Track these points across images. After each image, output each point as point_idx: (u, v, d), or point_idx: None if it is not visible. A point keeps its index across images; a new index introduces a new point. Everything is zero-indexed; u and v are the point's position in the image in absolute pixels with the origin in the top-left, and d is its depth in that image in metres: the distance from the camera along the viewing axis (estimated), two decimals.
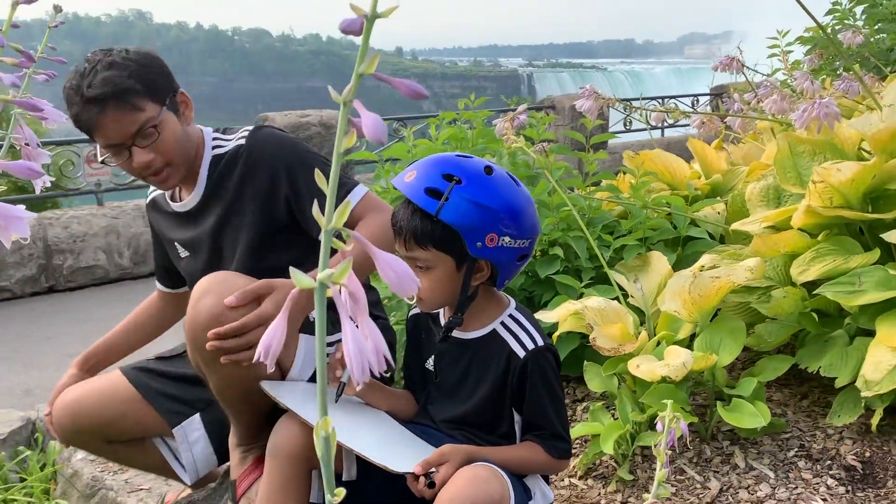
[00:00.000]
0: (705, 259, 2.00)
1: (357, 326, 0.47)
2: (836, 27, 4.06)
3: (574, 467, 1.83)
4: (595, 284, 2.20)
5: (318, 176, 0.46)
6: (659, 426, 0.99)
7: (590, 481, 1.79)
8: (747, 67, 3.32)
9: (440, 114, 2.56)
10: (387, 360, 0.47)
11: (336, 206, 0.46)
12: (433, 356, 1.35)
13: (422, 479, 1.16)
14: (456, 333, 1.32)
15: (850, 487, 1.62)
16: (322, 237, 0.46)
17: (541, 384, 1.27)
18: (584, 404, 2.07)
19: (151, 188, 1.68)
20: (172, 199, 1.63)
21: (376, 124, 0.44)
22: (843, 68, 3.82)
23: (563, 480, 1.82)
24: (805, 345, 1.87)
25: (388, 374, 1.47)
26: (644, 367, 1.71)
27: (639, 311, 2.10)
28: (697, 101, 8.86)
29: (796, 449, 1.77)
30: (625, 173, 2.68)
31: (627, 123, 7.89)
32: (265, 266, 1.46)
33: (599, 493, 1.74)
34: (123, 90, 1.39)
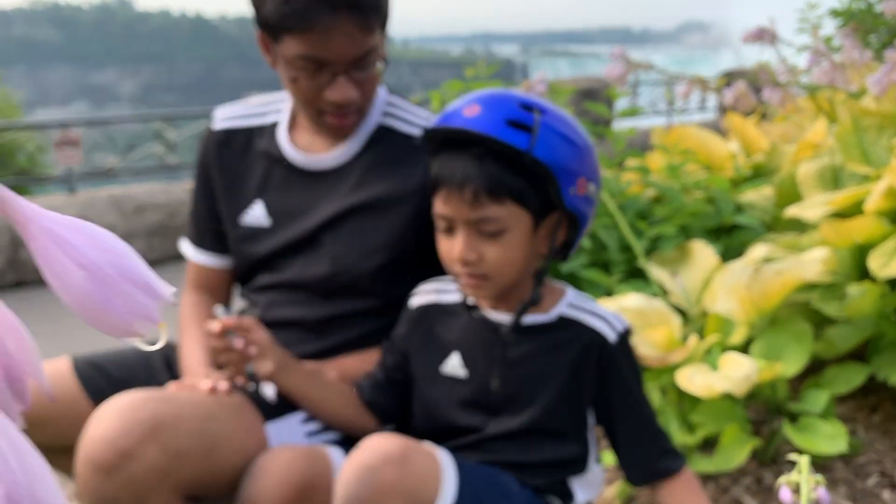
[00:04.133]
0: (759, 250, 1.72)
1: None
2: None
3: (610, 499, 1.55)
4: (627, 280, 1.91)
5: None
6: (785, 496, 0.69)
7: None
8: (780, 41, 3.05)
9: (444, 84, 2.25)
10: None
11: None
12: (458, 353, 1.05)
13: None
14: (495, 316, 1.03)
15: None
16: None
17: (635, 375, 1.03)
18: None
19: (222, 115, 1.28)
20: (289, 145, 1.23)
21: None
22: (890, 38, 3.55)
23: None
24: (880, 351, 1.59)
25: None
26: (699, 381, 1.43)
27: (679, 312, 1.82)
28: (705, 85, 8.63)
29: (877, 476, 1.49)
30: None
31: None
32: (356, 288, 1.17)
33: None
34: (367, 4, 1.07)
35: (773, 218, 2.06)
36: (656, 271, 1.84)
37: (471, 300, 1.05)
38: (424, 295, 1.12)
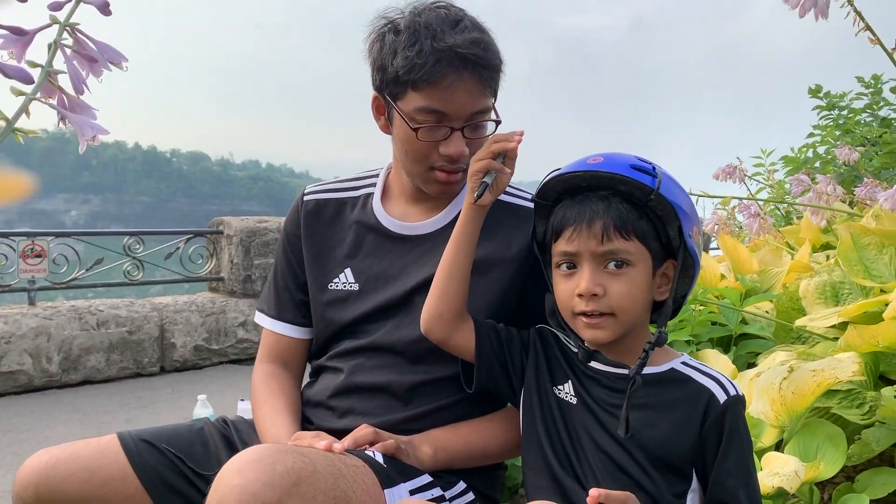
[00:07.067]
0: (781, 357, 1.76)
1: None
2: (818, 147, 4.12)
3: None
4: None
5: None
6: None
7: None
8: (748, 177, 3.27)
9: None
10: None
11: None
12: (570, 383, 1.07)
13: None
14: (602, 367, 1.04)
15: None
16: None
17: (744, 440, 1.00)
18: None
19: (312, 188, 1.33)
20: (383, 213, 1.27)
21: None
22: (840, 182, 3.83)
23: None
24: None
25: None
26: None
27: None
28: None
29: None
30: None
31: None
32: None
33: None
34: (492, 64, 1.15)
35: (777, 329, 2.12)
36: None
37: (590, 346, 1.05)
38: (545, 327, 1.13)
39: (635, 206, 0.99)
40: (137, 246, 5.30)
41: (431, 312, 1.11)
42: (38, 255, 4.79)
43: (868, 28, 1.54)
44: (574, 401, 1.05)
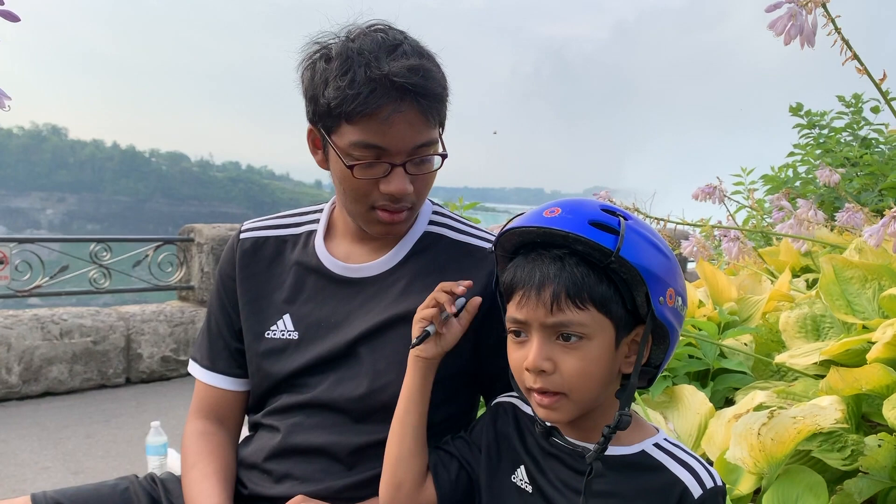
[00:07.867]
0: (760, 397, 1.68)
1: None
2: (799, 167, 4.08)
3: None
4: None
5: None
6: None
7: None
8: (728, 197, 3.21)
9: None
10: None
11: None
12: (523, 468, 0.96)
13: None
14: (573, 442, 0.93)
15: None
16: None
17: None
18: None
19: (250, 224, 1.21)
20: (326, 253, 1.15)
21: None
22: (819, 203, 3.79)
23: None
24: None
25: None
26: None
27: None
28: None
29: None
30: None
31: None
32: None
33: None
34: (434, 93, 1.03)
35: (756, 363, 2.05)
36: (650, 414, 1.78)
37: (547, 423, 0.95)
38: (507, 396, 1.03)
39: (595, 267, 0.87)
40: (104, 253, 5.15)
41: (391, 483, 0.98)
42: (0, 262, 4.64)
43: (856, 57, 1.47)
44: (529, 489, 0.95)
